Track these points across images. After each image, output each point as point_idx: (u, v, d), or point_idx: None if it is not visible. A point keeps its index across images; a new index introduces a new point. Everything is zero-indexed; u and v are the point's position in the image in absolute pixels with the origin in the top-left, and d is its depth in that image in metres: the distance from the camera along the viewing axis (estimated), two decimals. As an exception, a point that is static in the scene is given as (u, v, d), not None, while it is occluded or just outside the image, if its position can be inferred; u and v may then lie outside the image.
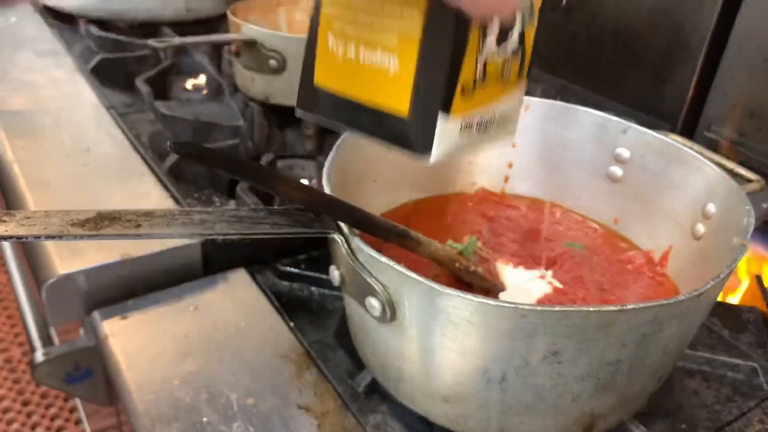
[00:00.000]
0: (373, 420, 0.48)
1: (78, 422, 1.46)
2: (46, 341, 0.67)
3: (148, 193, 0.67)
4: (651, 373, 0.43)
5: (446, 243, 0.49)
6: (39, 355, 0.62)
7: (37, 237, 0.35)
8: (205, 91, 0.96)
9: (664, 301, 0.37)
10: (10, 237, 0.35)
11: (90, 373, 0.65)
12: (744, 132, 0.85)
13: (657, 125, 0.89)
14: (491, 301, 0.37)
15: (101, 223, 0.37)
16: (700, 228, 0.52)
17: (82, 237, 0.36)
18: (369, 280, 0.40)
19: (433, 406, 0.45)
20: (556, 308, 0.36)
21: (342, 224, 0.42)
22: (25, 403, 1.50)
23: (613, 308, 0.36)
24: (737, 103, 0.86)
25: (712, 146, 0.85)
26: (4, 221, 0.36)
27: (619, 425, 0.47)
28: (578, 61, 1.03)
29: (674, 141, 0.56)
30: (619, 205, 0.60)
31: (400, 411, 0.49)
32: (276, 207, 0.42)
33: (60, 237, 0.35)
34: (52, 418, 1.47)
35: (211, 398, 0.48)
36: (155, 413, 0.46)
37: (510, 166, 0.64)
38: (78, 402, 1.41)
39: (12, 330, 1.69)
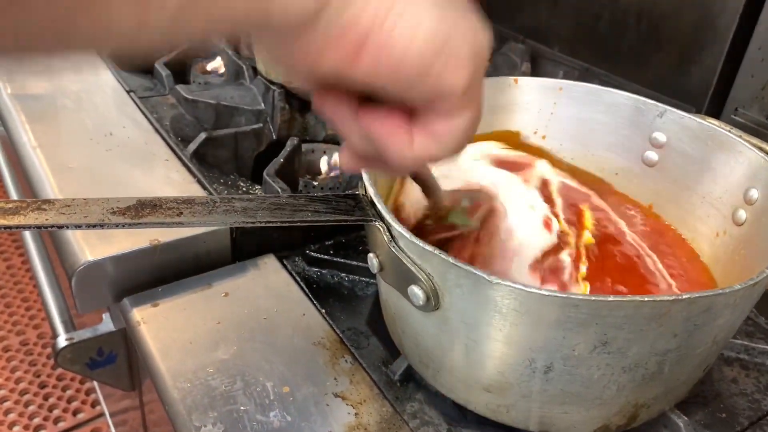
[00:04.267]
0: (410, 408, 0.48)
1: (95, 404, 1.47)
2: (69, 326, 0.67)
3: (173, 178, 0.66)
4: (698, 363, 0.42)
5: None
6: (62, 340, 0.62)
7: (78, 226, 0.35)
8: (224, 75, 0.95)
9: (720, 291, 0.36)
10: (51, 226, 0.34)
11: (113, 359, 0.65)
12: (772, 115, 0.83)
13: (682, 108, 0.87)
14: (543, 291, 0.36)
15: (142, 211, 0.36)
16: (742, 214, 0.51)
17: (123, 226, 0.35)
18: (412, 268, 0.40)
19: (474, 395, 0.44)
20: (610, 298, 0.35)
21: (384, 212, 0.41)
22: (42, 386, 1.50)
23: (667, 298, 0.35)
24: (766, 86, 0.84)
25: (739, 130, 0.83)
26: (44, 209, 0.35)
27: (661, 415, 0.46)
28: (601, 43, 1.01)
29: (713, 124, 0.55)
30: (655, 191, 0.58)
31: (436, 399, 0.48)
32: (316, 194, 0.41)
33: (101, 226, 0.35)
34: (69, 400, 1.48)
35: (247, 386, 0.47)
36: (191, 402, 0.46)
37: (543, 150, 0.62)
38: (95, 384, 1.41)
39: (27, 313, 1.69)
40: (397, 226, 0.40)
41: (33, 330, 1.65)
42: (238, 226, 0.58)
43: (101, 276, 0.54)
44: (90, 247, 0.55)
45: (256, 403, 0.46)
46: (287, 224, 0.38)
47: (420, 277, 0.39)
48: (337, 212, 0.41)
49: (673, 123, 0.56)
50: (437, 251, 0.38)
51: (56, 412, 1.45)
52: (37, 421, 1.43)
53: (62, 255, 0.57)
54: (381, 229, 0.41)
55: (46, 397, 1.48)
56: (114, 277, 0.55)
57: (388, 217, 0.41)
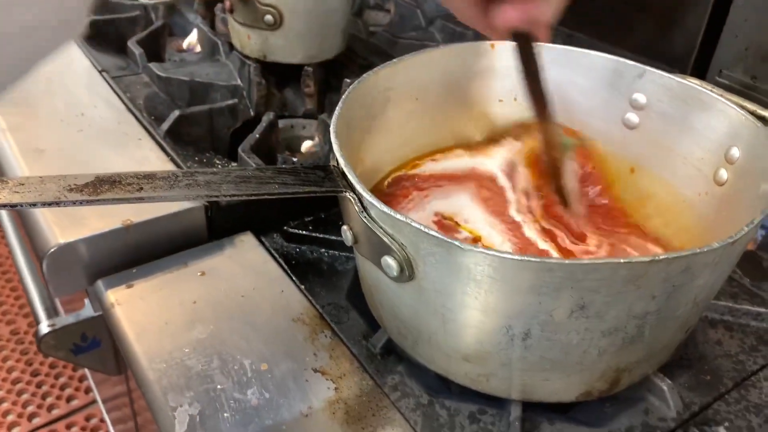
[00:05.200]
0: (391, 381, 0.47)
1: (88, 390, 1.47)
2: (51, 312, 0.65)
3: (147, 157, 0.64)
4: (679, 325, 0.42)
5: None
6: (44, 327, 0.61)
7: (33, 204, 0.33)
8: (199, 51, 0.93)
9: (698, 250, 0.35)
10: (4, 205, 0.33)
11: (97, 343, 0.64)
12: (757, 75, 0.82)
13: (666, 71, 0.86)
14: (515, 256, 0.35)
15: (100, 188, 0.35)
16: (724, 174, 0.50)
17: (80, 203, 0.34)
18: (384, 238, 0.39)
19: (453, 365, 0.44)
20: (585, 261, 0.34)
21: (354, 182, 0.40)
22: (35, 374, 1.50)
23: (644, 259, 0.34)
24: (750, 46, 0.83)
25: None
26: (-2, 189, 0.34)
27: (644, 379, 0.46)
28: (582, 8, 0.99)
29: (693, 84, 0.53)
30: (636, 153, 0.57)
31: (417, 371, 0.47)
32: (284, 166, 0.40)
33: (57, 203, 0.33)
34: (62, 387, 1.47)
35: (224, 365, 0.47)
36: (167, 383, 0.45)
37: (523, 117, 0.61)
38: (87, 371, 1.41)
39: (17, 302, 1.68)
40: (368, 196, 0.39)
41: (23, 319, 1.63)
42: (213, 203, 0.57)
43: (73, 258, 0.53)
44: (61, 230, 0.53)
45: (234, 381, 0.46)
46: (253, 197, 0.37)
47: (393, 247, 0.39)
48: (306, 184, 0.40)
49: (653, 83, 0.55)
50: (409, 220, 0.37)
51: (50, 400, 1.45)
52: (30, 409, 1.42)
53: (33, 238, 0.55)
54: (352, 200, 0.40)
55: (39, 385, 1.48)
56: (87, 260, 0.54)
57: (359, 187, 0.40)
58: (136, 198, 0.35)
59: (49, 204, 0.33)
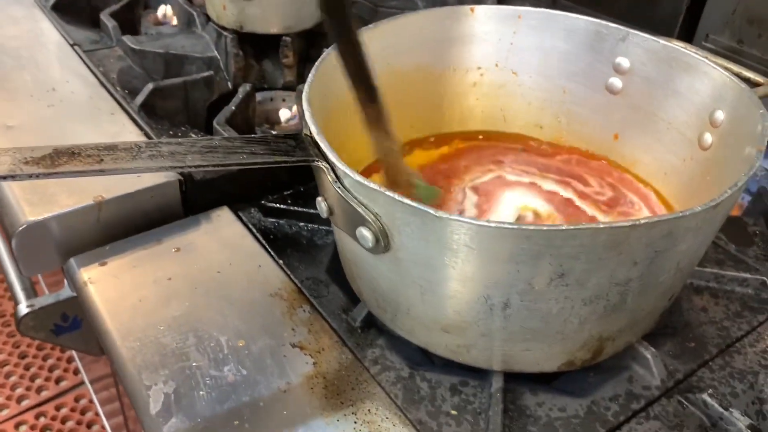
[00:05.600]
0: (371, 354, 0.46)
1: (76, 372, 1.46)
2: (30, 293, 0.64)
3: (120, 132, 0.63)
4: (663, 292, 0.41)
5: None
6: (23, 308, 0.59)
7: (-13, 178, 0.32)
8: (175, 23, 0.90)
9: (680, 214, 0.34)
10: (-43, 180, 0.32)
11: (78, 323, 0.63)
12: (744, 39, 0.81)
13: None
14: (491, 224, 0.34)
15: (58, 160, 0.33)
16: (708, 138, 0.49)
17: (37, 176, 0.32)
18: (359, 209, 0.37)
19: (433, 337, 0.43)
20: (563, 227, 0.33)
21: (327, 151, 0.38)
22: (22, 356, 1.49)
23: (624, 224, 0.33)
24: (736, 10, 0.81)
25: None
26: (-51, 163, 0.32)
27: (628, 347, 0.45)
28: (568, -26, 0.97)
29: (677, 46, 0.52)
30: (620, 119, 0.56)
31: (398, 344, 0.47)
32: (253, 135, 0.39)
33: (12, 177, 0.32)
34: (51, 369, 1.46)
35: (200, 342, 0.46)
36: (141, 361, 0.44)
37: (504, 84, 0.60)
38: (74, 352, 1.39)
39: (2, 285, 1.66)
40: (341, 166, 0.38)
41: (9, 301, 1.62)
42: (188, 178, 0.55)
43: (43, 237, 0.52)
44: (30, 207, 0.52)
45: (210, 359, 0.44)
46: (220, 167, 0.35)
47: (367, 218, 0.37)
48: (276, 153, 0.38)
49: (636, 46, 0.54)
50: (383, 189, 0.36)
51: (38, 382, 1.44)
52: (19, 391, 1.41)
53: (2, 217, 0.54)
54: (325, 169, 0.39)
55: (27, 367, 1.47)
56: (58, 238, 0.52)
57: (332, 156, 0.38)
58: (96, 170, 0.33)
59: (4, 177, 0.32)
